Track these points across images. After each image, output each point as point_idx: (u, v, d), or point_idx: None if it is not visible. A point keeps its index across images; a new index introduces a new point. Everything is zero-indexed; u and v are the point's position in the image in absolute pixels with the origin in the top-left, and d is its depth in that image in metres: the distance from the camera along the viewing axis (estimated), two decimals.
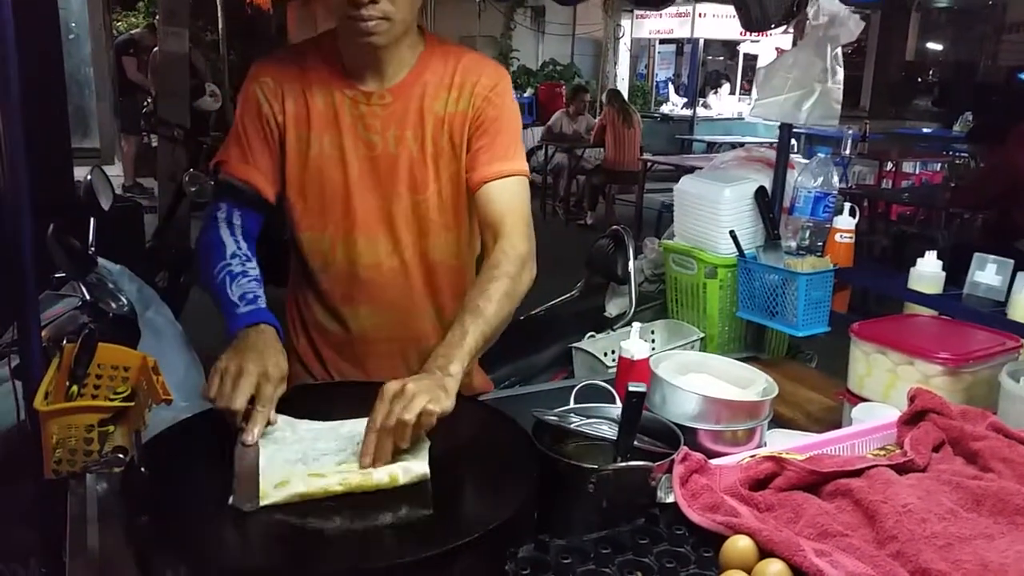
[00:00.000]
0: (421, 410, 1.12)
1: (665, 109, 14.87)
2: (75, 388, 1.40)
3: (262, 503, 1.04)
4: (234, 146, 1.54)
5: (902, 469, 1.19)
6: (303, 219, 1.59)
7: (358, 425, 1.25)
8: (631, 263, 2.54)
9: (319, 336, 1.69)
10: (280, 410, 1.25)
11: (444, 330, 1.54)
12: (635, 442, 1.16)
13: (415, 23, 1.49)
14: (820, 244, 2.03)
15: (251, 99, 1.53)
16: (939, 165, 8.12)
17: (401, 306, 1.61)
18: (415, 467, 1.11)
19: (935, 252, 1.89)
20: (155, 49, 7.43)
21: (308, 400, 1.33)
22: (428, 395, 1.13)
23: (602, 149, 9.16)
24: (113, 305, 2.13)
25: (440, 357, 1.24)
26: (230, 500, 1.05)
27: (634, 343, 1.54)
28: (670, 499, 1.10)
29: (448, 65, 1.53)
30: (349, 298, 1.62)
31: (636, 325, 1.61)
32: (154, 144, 7.31)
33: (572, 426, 1.22)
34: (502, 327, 1.39)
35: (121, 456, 1.27)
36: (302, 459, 1.15)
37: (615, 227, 2.67)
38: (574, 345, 2.28)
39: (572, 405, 1.32)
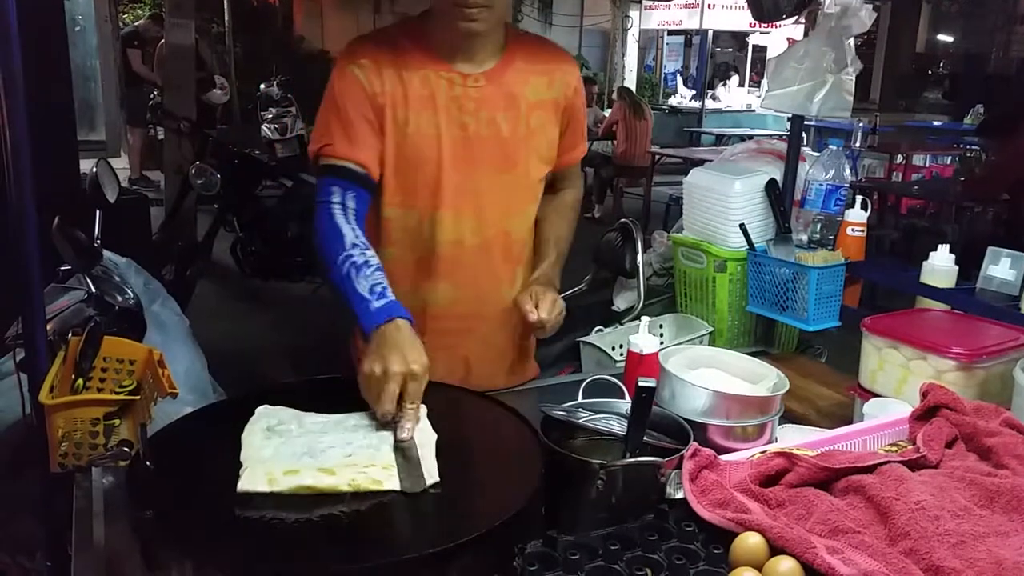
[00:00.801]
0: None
1: (673, 101, 14.81)
2: (81, 381, 1.40)
3: (270, 489, 1.04)
4: (336, 129, 1.54)
5: (915, 465, 1.18)
6: (393, 196, 1.61)
7: (364, 418, 1.24)
8: (639, 257, 2.52)
9: None
10: (316, 400, 1.28)
11: (508, 304, 1.65)
12: (644, 438, 1.15)
13: (509, 8, 1.56)
14: (831, 237, 2.01)
15: (351, 80, 1.54)
16: (950, 158, 8.06)
17: (478, 283, 1.67)
18: (424, 477, 1.10)
19: (947, 246, 1.86)
20: (162, 42, 7.42)
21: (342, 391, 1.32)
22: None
23: (610, 142, 9.12)
24: (119, 298, 2.12)
25: (544, 276, 1.64)
26: (239, 485, 1.04)
27: (643, 337, 1.53)
28: (679, 495, 1.09)
29: (532, 53, 1.64)
30: (429, 274, 1.65)
31: (645, 319, 1.60)
32: (160, 137, 7.32)
33: (580, 421, 1.21)
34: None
35: (127, 450, 1.27)
36: (308, 452, 1.14)
37: (624, 220, 2.65)
38: (581, 339, 2.27)
39: (580, 400, 1.31)
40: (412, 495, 1.07)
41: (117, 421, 1.31)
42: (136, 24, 9.94)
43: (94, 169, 2.18)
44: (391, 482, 1.08)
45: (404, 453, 1.15)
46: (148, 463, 1.08)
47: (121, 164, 9.29)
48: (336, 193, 1.50)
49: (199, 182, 4.94)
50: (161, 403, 1.39)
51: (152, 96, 8.23)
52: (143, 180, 8.88)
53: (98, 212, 2.14)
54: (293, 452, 1.13)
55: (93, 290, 2.04)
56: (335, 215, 1.48)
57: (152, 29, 8.84)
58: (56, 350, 1.46)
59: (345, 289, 1.39)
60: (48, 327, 1.58)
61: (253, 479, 1.06)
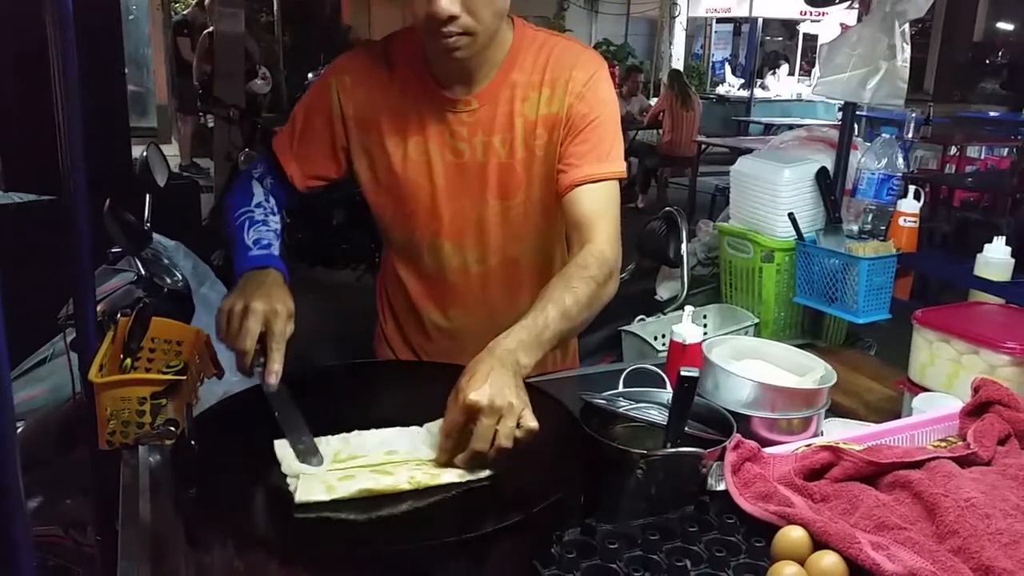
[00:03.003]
0: (508, 435, 1.04)
1: (721, 90, 14.66)
2: (129, 361, 1.42)
3: (328, 497, 1.01)
4: (288, 126, 1.54)
5: (964, 462, 1.14)
6: (392, 223, 1.58)
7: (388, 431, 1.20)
8: (684, 246, 2.49)
9: (408, 326, 1.69)
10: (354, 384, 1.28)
11: None
12: (686, 428, 1.13)
13: (502, 23, 1.41)
14: (883, 228, 1.96)
15: (322, 92, 1.51)
16: (1006, 150, 7.84)
17: (487, 309, 1.58)
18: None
19: (1003, 238, 1.81)
20: (205, 31, 7.51)
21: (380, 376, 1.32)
22: (516, 417, 1.05)
23: (656, 131, 9.04)
24: (168, 280, 2.16)
25: (515, 341, 1.15)
26: (296, 497, 1.01)
27: (687, 327, 1.51)
28: (721, 487, 1.07)
29: (538, 60, 1.46)
30: (436, 300, 1.62)
31: (689, 308, 1.58)
32: (210, 124, 7.43)
33: (621, 410, 1.20)
34: (575, 333, 1.34)
35: (172, 429, 1.29)
36: (344, 447, 1.13)
37: (668, 209, 2.63)
38: (623, 328, 2.25)
39: (621, 389, 1.30)
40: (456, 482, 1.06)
41: (164, 401, 1.33)
42: (185, 12, 10.10)
43: (144, 153, 2.22)
44: (449, 474, 1.07)
45: (285, 416, 1.11)
46: (193, 442, 1.09)
47: (172, 151, 9.45)
48: (259, 170, 1.53)
49: None
50: (208, 384, 1.41)
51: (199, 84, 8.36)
52: (193, 167, 9.04)
53: (148, 196, 2.17)
54: (329, 452, 1.11)
55: (143, 272, 2.07)
56: (252, 180, 1.51)
57: (200, 16, 8.96)
58: (106, 330, 1.49)
59: (232, 237, 1.39)
60: (98, 308, 1.62)
61: (310, 490, 1.02)
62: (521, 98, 1.45)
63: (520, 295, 1.56)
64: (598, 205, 1.42)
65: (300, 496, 1.01)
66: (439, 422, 1.11)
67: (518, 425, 1.05)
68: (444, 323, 1.63)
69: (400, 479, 1.05)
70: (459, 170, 1.49)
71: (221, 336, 1.21)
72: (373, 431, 1.16)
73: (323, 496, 1.01)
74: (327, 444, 1.13)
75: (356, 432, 1.16)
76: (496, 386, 1.05)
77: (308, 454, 1.08)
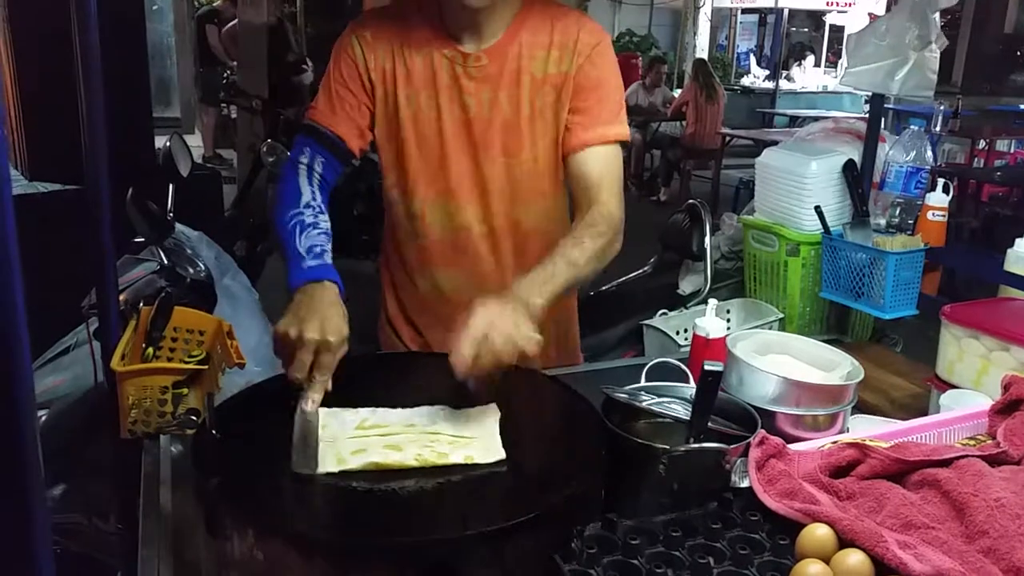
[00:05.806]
0: (508, 356, 1.15)
1: (746, 82, 14.53)
2: (151, 350, 1.43)
3: (339, 469, 1.03)
4: (324, 95, 1.54)
5: (994, 461, 1.12)
6: (397, 180, 1.59)
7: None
8: (707, 239, 2.47)
9: (408, 299, 1.70)
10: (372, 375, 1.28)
11: None
12: (709, 423, 1.12)
13: None
14: (911, 222, 1.93)
15: (347, 50, 1.53)
16: None
17: (488, 272, 1.60)
18: (491, 453, 1.09)
19: None
20: (233, 21, 7.53)
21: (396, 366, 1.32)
22: (514, 342, 1.15)
23: (679, 123, 8.97)
24: (190, 270, 2.17)
25: (525, 288, 1.25)
26: (293, 467, 1.04)
27: (710, 321, 1.50)
28: (745, 484, 1.06)
29: (545, 22, 1.51)
30: (437, 262, 1.62)
31: (712, 302, 1.56)
32: (233, 116, 7.46)
33: (643, 404, 1.19)
34: (583, 282, 1.43)
35: (194, 418, 1.29)
36: (369, 415, 1.15)
37: (691, 202, 2.60)
38: (645, 322, 2.24)
39: (643, 383, 1.28)
40: (477, 472, 1.06)
41: (185, 390, 1.34)
42: (215, 4, 10.13)
43: (167, 143, 2.23)
44: (457, 455, 1.07)
45: (300, 428, 1.08)
46: (214, 432, 1.09)
47: (195, 142, 9.49)
48: (306, 154, 1.50)
49: (270, 159, 5.01)
50: (229, 373, 1.41)
51: (225, 76, 8.39)
52: (216, 158, 9.08)
53: (171, 186, 2.18)
54: (349, 421, 1.14)
55: (165, 262, 2.08)
56: (299, 174, 1.48)
57: (229, 8, 8.98)
58: (128, 319, 1.50)
59: (285, 243, 1.37)
60: (121, 297, 1.63)
61: (322, 461, 1.04)
62: (529, 56, 1.50)
63: (517, 261, 1.59)
64: (605, 167, 1.49)
65: (294, 465, 1.03)
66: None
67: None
68: (444, 287, 1.62)
69: (407, 455, 1.06)
70: (466, 126, 1.52)
71: (279, 358, 1.21)
72: (398, 409, 1.19)
73: (333, 468, 1.03)
74: (356, 413, 1.15)
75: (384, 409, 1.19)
76: (498, 319, 1.17)
77: (303, 467, 1.05)
